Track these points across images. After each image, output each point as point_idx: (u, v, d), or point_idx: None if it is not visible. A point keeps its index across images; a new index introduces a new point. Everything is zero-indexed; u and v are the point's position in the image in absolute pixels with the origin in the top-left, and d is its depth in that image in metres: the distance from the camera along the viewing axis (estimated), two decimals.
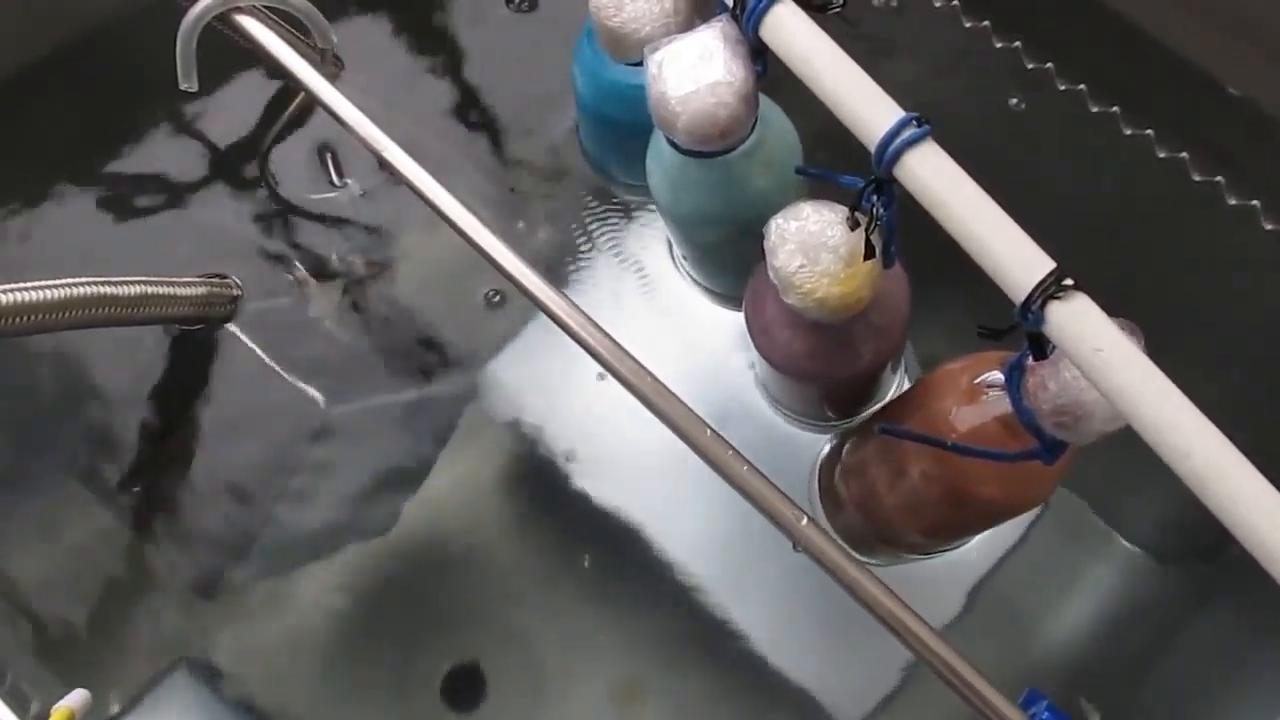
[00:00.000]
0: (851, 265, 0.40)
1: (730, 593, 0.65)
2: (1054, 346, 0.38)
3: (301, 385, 0.71)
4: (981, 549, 0.64)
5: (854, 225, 0.40)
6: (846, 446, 0.57)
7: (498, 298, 0.72)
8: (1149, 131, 0.69)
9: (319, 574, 0.67)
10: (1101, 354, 0.32)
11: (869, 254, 0.39)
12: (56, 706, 0.39)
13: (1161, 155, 0.68)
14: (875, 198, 0.38)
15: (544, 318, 0.68)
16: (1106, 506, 0.65)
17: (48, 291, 0.53)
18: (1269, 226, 0.67)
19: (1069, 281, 0.33)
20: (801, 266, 0.41)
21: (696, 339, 0.69)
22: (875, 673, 0.63)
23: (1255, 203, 0.67)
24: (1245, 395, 0.65)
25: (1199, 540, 0.64)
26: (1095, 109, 0.70)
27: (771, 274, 0.42)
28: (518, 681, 0.65)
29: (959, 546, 0.60)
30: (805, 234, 0.41)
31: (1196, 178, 0.68)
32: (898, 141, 0.34)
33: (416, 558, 0.68)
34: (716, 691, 0.64)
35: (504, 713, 0.65)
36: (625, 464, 0.68)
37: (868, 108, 0.35)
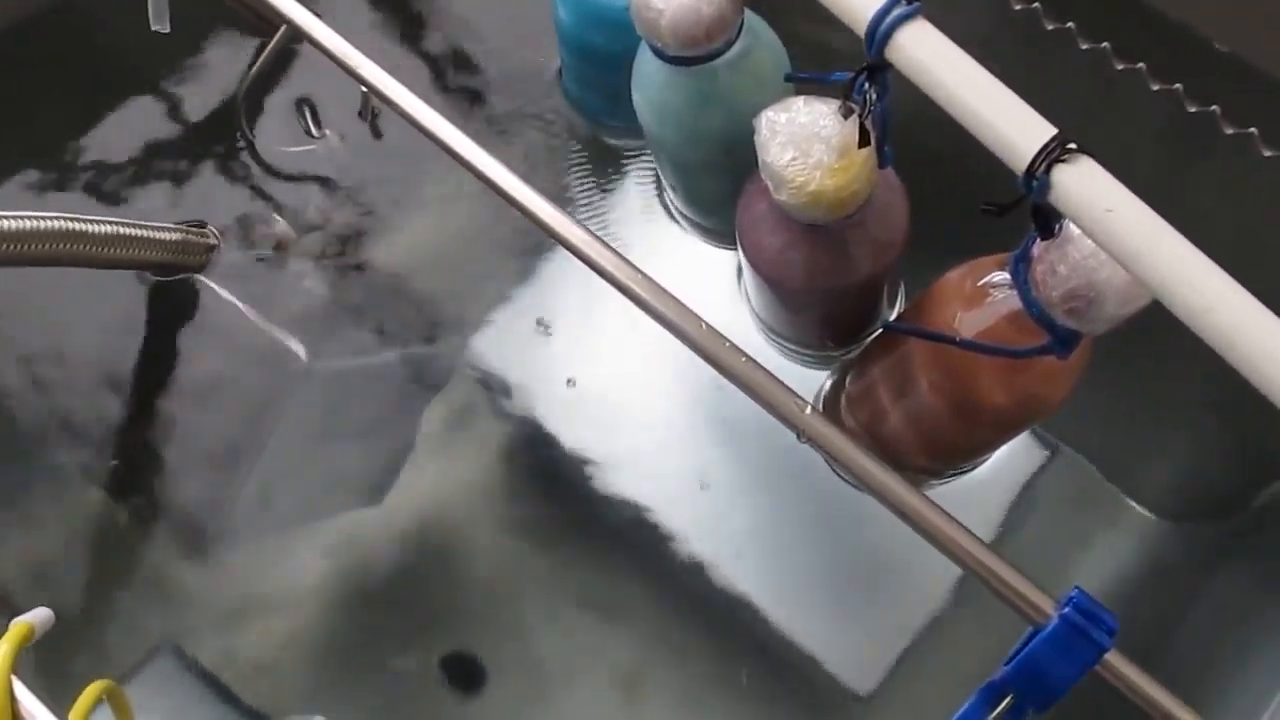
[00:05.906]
0: (845, 157, 0.39)
1: (729, 573, 0.64)
2: (1060, 223, 0.37)
3: (281, 337, 0.69)
4: (989, 516, 0.63)
5: (847, 114, 0.39)
6: (850, 375, 0.56)
7: (489, 249, 0.70)
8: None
9: (303, 543, 0.66)
10: (1113, 215, 0.31)
11: (864, 141, 0.38)
12: (16, 621, 0.36)
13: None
14: (868, 85, 0.37)
15: (539, 275, 0.68)
16: (1116, 470, 0.64)
17: (14, 222, 0.52)
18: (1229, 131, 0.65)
19: (1073, 145, 0.32)
20: (793, 160, 0.39)
21: (690, 279, 0.65)
22: (879, 641, 0.63)
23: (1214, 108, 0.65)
24: None
25: (1210, 501, 0.63)
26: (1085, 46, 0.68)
27: (762, 171, 0.41)
28: (517, 670, 0.63)
29: (972, 469, 0.58)
30: (796, 126, 0.39)
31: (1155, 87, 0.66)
32: (889, 19, 0.33)
33: (403, 525, 0.66)
34: (719, 674, 0.63)
35: (507, 701, 0.63)
36: (623, 430, 0.67)
37: None
